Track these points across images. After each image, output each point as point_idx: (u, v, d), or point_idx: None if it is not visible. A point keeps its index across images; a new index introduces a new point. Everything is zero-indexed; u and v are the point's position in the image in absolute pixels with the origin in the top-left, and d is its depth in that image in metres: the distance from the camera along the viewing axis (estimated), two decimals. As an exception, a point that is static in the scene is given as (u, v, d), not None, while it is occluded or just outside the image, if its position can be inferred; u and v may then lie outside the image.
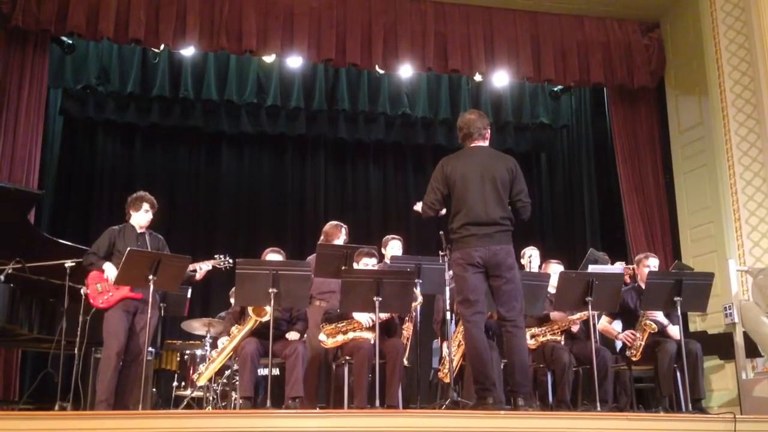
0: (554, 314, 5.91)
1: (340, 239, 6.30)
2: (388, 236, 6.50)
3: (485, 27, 8.42)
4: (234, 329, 5.57)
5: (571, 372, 5.61)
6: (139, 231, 5.61)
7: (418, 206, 5.08)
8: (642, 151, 8.86)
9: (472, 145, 4.93)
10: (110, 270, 5.35)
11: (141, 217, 5.61)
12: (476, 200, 4.71)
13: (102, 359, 5.32)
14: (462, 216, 4.73)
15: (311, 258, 6.07)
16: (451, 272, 5.52)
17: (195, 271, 5.71)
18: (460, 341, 5.59)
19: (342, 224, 6.45)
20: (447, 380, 5.45)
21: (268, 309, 5.21)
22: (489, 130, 5.00)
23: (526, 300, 5.28)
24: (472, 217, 4.69)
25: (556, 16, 8.61)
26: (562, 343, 5.90)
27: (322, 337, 5.56)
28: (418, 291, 5.46)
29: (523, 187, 4.82)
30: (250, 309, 5.44)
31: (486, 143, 4.97)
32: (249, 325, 5.45)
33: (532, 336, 5.83)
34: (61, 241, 6.34)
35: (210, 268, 5.85)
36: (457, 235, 4.77)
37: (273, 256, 5.79)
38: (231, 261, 5.87)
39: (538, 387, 5.90)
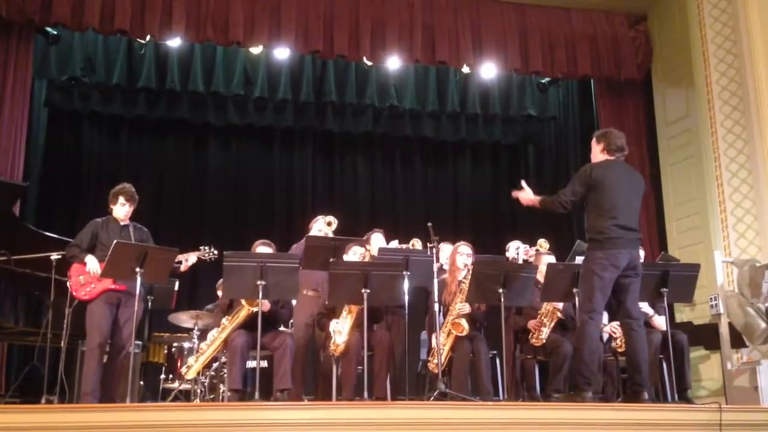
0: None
1: (314, 231, 6.26)
2: (369, 232, 6.42)
3: (473, 19, 8.40)
4: (225, 320, 5.53)
5: (568, 362, 5.56)
6: (122, 223, 5.59)
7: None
8: (629, 142, 8.74)
9: (617, 158, 5.24)
10: (92, 262, 5.32)
11: (119, 211, 5.60)
12: (625, 207, 5.02)
13: (86, 352, 5.30)
14: (611, 218, 4.96)
15: (295, 247, 6.03)
16: (439, 263, 5.54)
17: (180, 262, 5.67)
18: (449, 331, 5.60)
19: (319, 217, 6.39)
20: (435, 371, 5.46)
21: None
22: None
23: (514, 291, 5.31)
24: (622, 221, 4.97)
25: (543, 9, 8.60)
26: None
27: (339, 340, 5.36)
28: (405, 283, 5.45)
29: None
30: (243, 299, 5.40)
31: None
32: (242, 314, 5.41)
33: (534, 328, 5.79)
34: (47, 233, 6.29)
35: (195, 260, 5.83)
36: (603, 235, 4.97)
37: (263, 248, 5.77)
38: (216, 252, 5.85)
39: (527, 377, 5.93)
